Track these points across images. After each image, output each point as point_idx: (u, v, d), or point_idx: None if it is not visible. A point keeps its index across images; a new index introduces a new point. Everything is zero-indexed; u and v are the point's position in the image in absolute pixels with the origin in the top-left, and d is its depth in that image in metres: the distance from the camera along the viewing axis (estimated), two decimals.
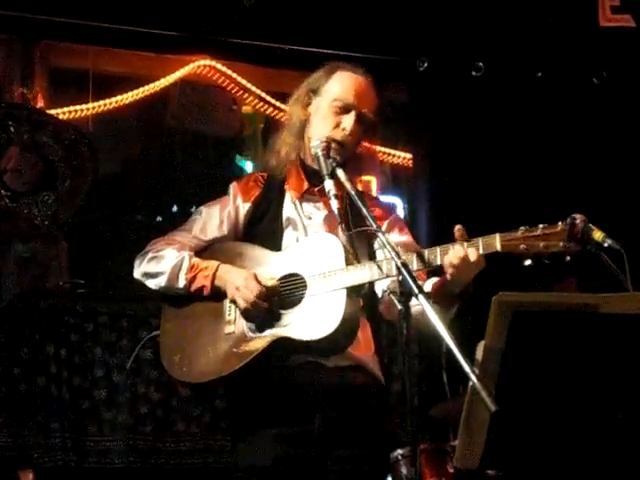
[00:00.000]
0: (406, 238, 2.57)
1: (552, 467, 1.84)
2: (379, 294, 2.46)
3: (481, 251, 2.15)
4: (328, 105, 2.53)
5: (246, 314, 2.39)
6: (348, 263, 2.32)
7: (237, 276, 2.41)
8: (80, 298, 4.81)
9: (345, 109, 2.51)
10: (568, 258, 2.07)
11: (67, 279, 5.14)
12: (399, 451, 3.65)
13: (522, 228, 2.12)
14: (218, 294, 2.46)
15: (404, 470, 3.63)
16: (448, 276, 2.20)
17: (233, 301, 2.41)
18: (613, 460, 1.83)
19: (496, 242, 2.12)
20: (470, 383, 1.71)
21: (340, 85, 2.55)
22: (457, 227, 2.19)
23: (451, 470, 3.69)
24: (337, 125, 2.51)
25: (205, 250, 2.59)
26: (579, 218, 2.09)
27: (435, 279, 2.35)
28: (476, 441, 1.79)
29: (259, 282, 2.37)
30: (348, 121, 2.49)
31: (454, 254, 2.14)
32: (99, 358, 4.56)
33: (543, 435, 1.80)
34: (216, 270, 2.46)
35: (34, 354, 4.50)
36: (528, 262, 2.09)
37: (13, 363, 4.45)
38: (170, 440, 4.56)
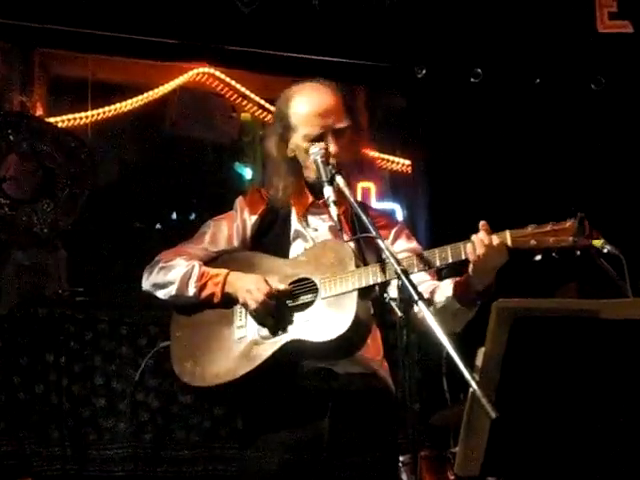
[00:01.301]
0: (414, 245, 2.58)
1: (553, 474, 1.84)
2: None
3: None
4: (303, 144, 2.47)
5: (256, 316, 2.40)
6: (357, 267, 2.34)
7: (248, 280, 2.42)
8: (79, 306, 4.81)
9: (318, 138, 2.46)
10: (578, 253, 2.10)
11: (66, 287, 5.14)
12: (400, 458, 3.63)
13: (531, 225, 2.16)
14: (228, 301, 2.46)
15: (405, 477, 3.62)
16: (472, 266, 2.20)
17: (244, 304, 2.42)
18: (615, 466, 1.83)
19: (507, 237, 2.16)
20: (470, 390, 1.71)
21: (302, 117, 2.49)
22: (482, 223, 2.20)
23: (452, 477, 3.70)
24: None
25: (215, 260, 2.59)
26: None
27: (455, 278, 2.35)
28: (477, 448, 1.79)
29: (269, 284, 2.39)
30: (328, 145, 2.45)
31: (478, 241, 2.16)
32: (99, 366, 4.56)
33: (544, 442, 1.80)
34: (226, 277, 2.46)
35: (33, 362, 4.49)
36: (538, 257, 2.13)
37: (12, 371, 4.45)
38: (170, 448, 4.55)
